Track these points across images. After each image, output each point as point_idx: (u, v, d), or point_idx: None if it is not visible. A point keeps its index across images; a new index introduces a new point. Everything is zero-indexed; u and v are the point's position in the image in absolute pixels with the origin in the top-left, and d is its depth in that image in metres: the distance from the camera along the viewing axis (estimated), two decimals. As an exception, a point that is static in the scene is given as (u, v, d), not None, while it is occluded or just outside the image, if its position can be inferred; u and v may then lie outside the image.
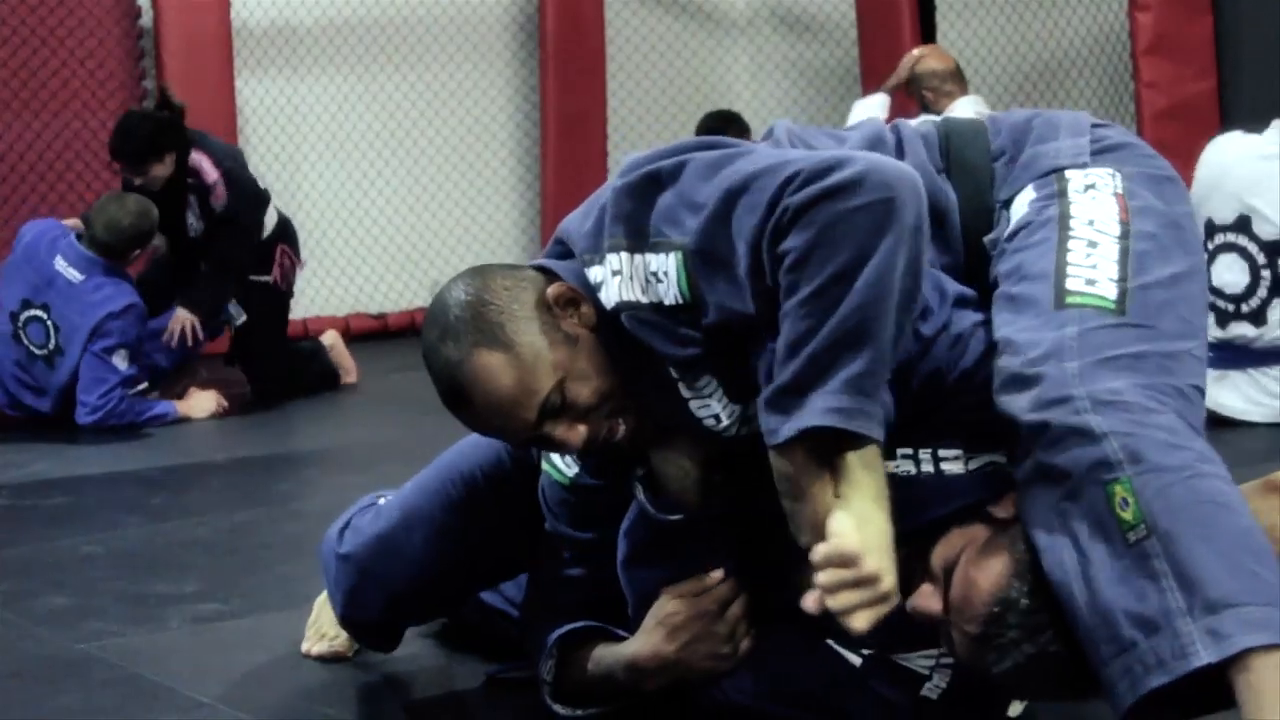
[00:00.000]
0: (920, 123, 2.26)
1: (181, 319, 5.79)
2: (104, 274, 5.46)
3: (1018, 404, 1.92)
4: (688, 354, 2.06)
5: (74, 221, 5.77)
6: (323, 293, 8.03)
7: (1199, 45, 7.40)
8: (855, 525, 1.89)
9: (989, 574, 1.93)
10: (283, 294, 6.23)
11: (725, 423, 2.12)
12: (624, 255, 2.05)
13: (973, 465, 2.05)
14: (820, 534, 1.91)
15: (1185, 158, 6.75)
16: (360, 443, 5.31)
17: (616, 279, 2.06)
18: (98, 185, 7.07)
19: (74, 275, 5.45)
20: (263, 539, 3.79)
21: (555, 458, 2.33)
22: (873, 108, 6.38)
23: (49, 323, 5.47)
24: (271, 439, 5.40)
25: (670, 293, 2.02)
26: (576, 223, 2.15)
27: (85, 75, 7.36)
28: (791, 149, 2.13)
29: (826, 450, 1.92)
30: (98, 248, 5.46)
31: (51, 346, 5.47)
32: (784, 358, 1.91)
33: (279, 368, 6.16)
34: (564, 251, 2.18)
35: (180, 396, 5.74)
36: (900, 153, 2.18)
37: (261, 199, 6.05)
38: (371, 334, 7.90)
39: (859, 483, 1.92)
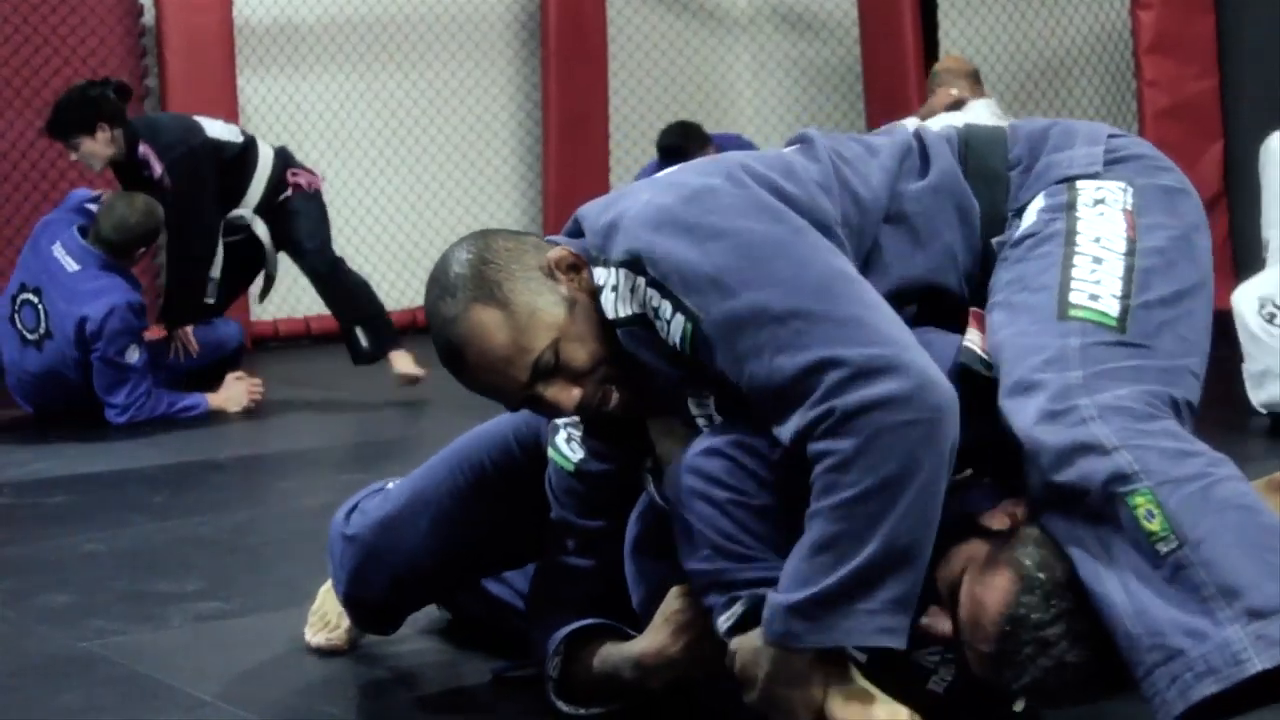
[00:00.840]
0: (943, 128, 2.26)
1: (174, 335, 5.76)
2: (100, 267, 5.45)
3: (1023, 414, 1.92)
4: (677, 376, 2.08)
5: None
6: (324, 291, 8.01)
7: (1201, 44, 7.40)
8: (860, 704, 2.00)
9: (995, 593, 1.92)
10: (309, 197, 5.88)
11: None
12: (624, 273, 2.04)
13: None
14: (816, 715, 2.01)
15: (1187, 157, 6.77)
16: (362, 441, 5.31)
17: (614, 294, 2.07)
18: (99, 184, 7.05)
19: (70, 264, 5.45)
20: (265, 538, 3.78)
21: (561, 444, 2.33)
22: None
23: (40, 307, 5.47)
24: (273, 437, 5.39)
25: (672, 338, 2.02)
26: (595, 211, 2.15)
27: (87, 74, 7.31)
28: (837, 178, 2.12)
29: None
30: (103, 245, 5.45)
31: (42, 331, 5.47)
32: (810, 555, 1.92)
33: (342, 273, 5.94)
34: (580, 231, 2.18)
35: (214, 389, 5.70)
36: (926, 159, 2.18)
37: (208, 190, 5.66)
38: (373, 332, 7.88)
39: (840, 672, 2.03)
